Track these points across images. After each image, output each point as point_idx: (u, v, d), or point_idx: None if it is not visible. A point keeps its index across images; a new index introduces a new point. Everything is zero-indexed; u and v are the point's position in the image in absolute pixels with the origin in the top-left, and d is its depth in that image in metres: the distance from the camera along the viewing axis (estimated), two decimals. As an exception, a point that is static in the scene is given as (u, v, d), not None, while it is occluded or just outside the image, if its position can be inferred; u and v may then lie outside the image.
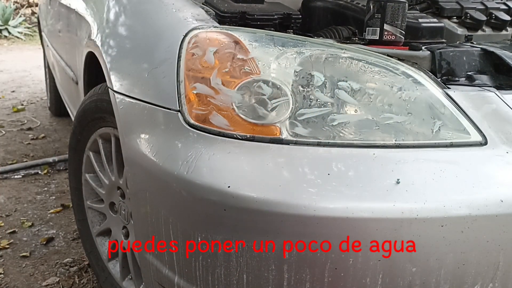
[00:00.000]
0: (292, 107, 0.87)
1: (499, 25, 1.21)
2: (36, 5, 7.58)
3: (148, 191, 0.96)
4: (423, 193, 0.80)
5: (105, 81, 1.18)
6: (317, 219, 0.78)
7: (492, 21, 1.21)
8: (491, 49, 1.01)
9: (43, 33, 3.26)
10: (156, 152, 0.93)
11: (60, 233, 1.91)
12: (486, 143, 0.88)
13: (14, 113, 3.66)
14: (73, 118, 1.81)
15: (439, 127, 0.88)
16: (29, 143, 2.98)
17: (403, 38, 1.07)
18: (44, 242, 1.83)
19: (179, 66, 0.93)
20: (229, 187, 0.81)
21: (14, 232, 1.90)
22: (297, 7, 1.40)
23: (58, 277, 1.61)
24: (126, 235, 1.33)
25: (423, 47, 1.02)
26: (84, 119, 1.38)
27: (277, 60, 0.91)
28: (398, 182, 0.80)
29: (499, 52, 1.00)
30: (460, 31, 1.19)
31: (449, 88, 0.94)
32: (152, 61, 1.02)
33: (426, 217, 0.78)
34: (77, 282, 1.59)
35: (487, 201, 0.81)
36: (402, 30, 1.06)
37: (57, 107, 3.39)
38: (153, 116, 0.96)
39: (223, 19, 1.04)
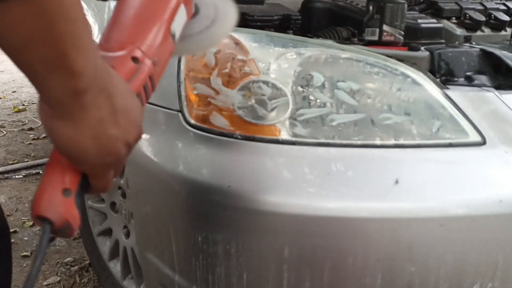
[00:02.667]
0: (291, 108, 0.87)
1: (498, 26, 1.21)
2: (37, 5, 7.58)
3: (148, 190, 0.97)
4: (422, 193, 0.80)
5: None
6: (317, 219, 0.79)
7: (491, 21, 1.21)
8: (490, 49, 1.01)
9: (44, 34, 3.26)
10: (157, 152, 0.93)
11: (61, 233, 1.91)
12: (485, 143, 0.88)
13: (15, 113, 3.66)
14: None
15: (438, 127, 0.89)
16: (30, 143, 2.98)
17: (402, 38, 1.07)
18: (45, 242, 1.83)
19: (180, 67, 0.93)
20: (229, 187, 0.81)
21: (15, 231, 1.91)
22: (296, 8, 1.40)
23: (59, 277, 1.62)
24: (127, 235, 1.33)
25: (422, 48, 1.03)
26: (85, 119, 1.38)
27: (277, 60, 0.91)
28: (397, 182, 0.80)
29: (498, 52, 1.00)
30: (459, 31, 1.19)
31: (448, 88, 0.94)
32: (152, 62, 1.02)
33: (425, 217, 0.79)
34: (78, 281, 1.60)
35: (486, 201, 0.81)
36: (401, 30, 1.06)
37: (58, 107, 3.38)
38: (153, 116, 0.96)
39: (223, 19, 1.04)
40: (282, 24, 1.09)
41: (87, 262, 1.67)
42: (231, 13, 0.63)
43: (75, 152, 0.44)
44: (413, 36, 1.13)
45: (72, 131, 0.43)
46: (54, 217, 0.44)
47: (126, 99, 0.47)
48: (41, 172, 2.52)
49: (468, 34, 1.16)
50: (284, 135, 0.86)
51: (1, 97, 4.13)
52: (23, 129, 3.27)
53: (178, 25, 0.56)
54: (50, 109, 0.42)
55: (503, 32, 1.22)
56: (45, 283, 1.58)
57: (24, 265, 1.68)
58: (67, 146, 0.44)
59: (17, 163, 2.62)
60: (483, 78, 0.98)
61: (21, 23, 0.36)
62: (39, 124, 3.37)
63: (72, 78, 0.40)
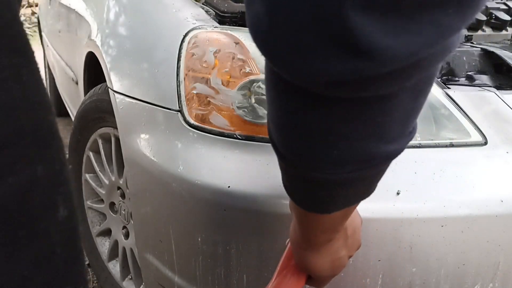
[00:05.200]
0: (292, 107, 0.87)
1: (499, 25, 1.21)
2: (36, 5, 7.58)
3: (148, 191, 0.96)
4: (423, 193, 0.80)
5: (105, 81, 1.18)
6: (317, 219, 0.78)
7: (492, 21, 1.20)
8: (491, 49, 1.01)
9: (43, 33, 3.26)
10: (156, 152, 0.92)
11: (60, 233, 1.90)
12: (486, 143, 0.88)
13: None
14: (73, 118, 1.81)
15: (440, 127, 0.88)
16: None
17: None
18: (44, 242, 1.82)
19: (179, 66, 0.93)
20: (229, 187, 0.81)
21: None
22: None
23: (58, 277, 1.61)
24: (126, 235, 1.33)
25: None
26: (84, 119, 1.38)
27: (277, 60, 0.91)
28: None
29: (499, 52, 1.00)
30: (460, 31, 1.19)
31: (449, 88, 0.94)
32: (152, 61, 1.02)
33: (426, 217, 0.78)
34: (77, 282, 1.59)
35: (487, 201, 0.81)
36: (402, 30, 1.06)
37: (57, 107, 3.38)
38: (153, 116, 0.96)
39: (223, 19, 1.04)
40: (282, 24, 1.09)
41: (86, 262, 1.67)
42: None
43: (315, 271, 0.57)
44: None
45: (317, 258, 0.55)
46: None
47: (354, 222, 0.60)
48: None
49: (469, 33, 1.16)
50: (285, 135, 0.85)
51: None
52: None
53: None
54: (306, 245, 0.55)
55: (503, 32, 1.21)
56: (44, 283, 1.57)
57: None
58: (310, 268, 0.57)
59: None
60: (484, 78, 0.98)
61: (332, 219, 0.50)
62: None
63: (335, 232, 0.53)
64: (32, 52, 0.35)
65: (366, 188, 0.44)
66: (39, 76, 0.36)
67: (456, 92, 0.93)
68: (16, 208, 0.32)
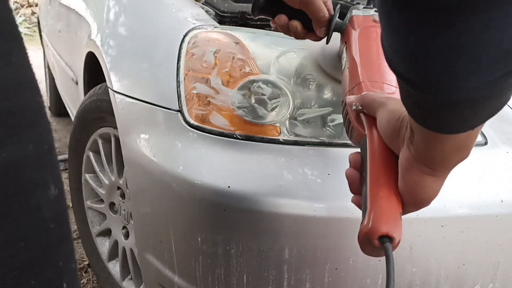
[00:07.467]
0: (292, 107, 0.87)
1: None
2: (36, 5, 7.58)
3: (148, 191, 0.96)
4: (423, 193, 0.80)
5: (105, 81, 1.18)
6: (317, 219, 0.78)
7: None
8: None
9: (43, 33, 3.27)
10: (156, 152, 0.92)
11: (60, 233, 1.90)
12: (486, 143, 0.88)
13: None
14: (73, 118, 1.81)
15: (439, 127, 0.88)
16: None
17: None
18: (44, 242, 1.82)
19: (179, 66, 0.93)
20: (229, 187, 0.81)
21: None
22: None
23: (58, 277, 1.61)
24: (126, 235, 1.33)
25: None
26: (84, 119, 1.38)
27: (277, 60, 0.91)
28: None
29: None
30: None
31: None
32: (152, 61, 1.02)
33: (426, 217, 0.78)
34: (77, 282, 1.59)
35: (487, 201, 0.81)
36: (402, 30, 1.06)
37: (57, 107, 3.39)
38: (153, 116, 0.96)
39: (223, 19, 1.04)
40: (282, 24, 1.09)
41: (86, 262, 1.67)
42: None
43: (429, 199, 0.53)
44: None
45: (436, 185, 0.52)
46: (398, 236, 0.52)
47: None
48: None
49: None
50: (285, 135, 0.86)
51: None
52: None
53: None
54: (430, 170, 0.50)
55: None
56: (44, 283, 1.57)
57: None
58: (427, 195, 0.52)
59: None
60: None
61: (471, 134, 0.46)
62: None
63: (466, 153, 0.50)
64: (22, 38, 0.36)
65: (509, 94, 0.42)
66: (28, 60, 0.37)
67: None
68: (7, 181, 0.33)
